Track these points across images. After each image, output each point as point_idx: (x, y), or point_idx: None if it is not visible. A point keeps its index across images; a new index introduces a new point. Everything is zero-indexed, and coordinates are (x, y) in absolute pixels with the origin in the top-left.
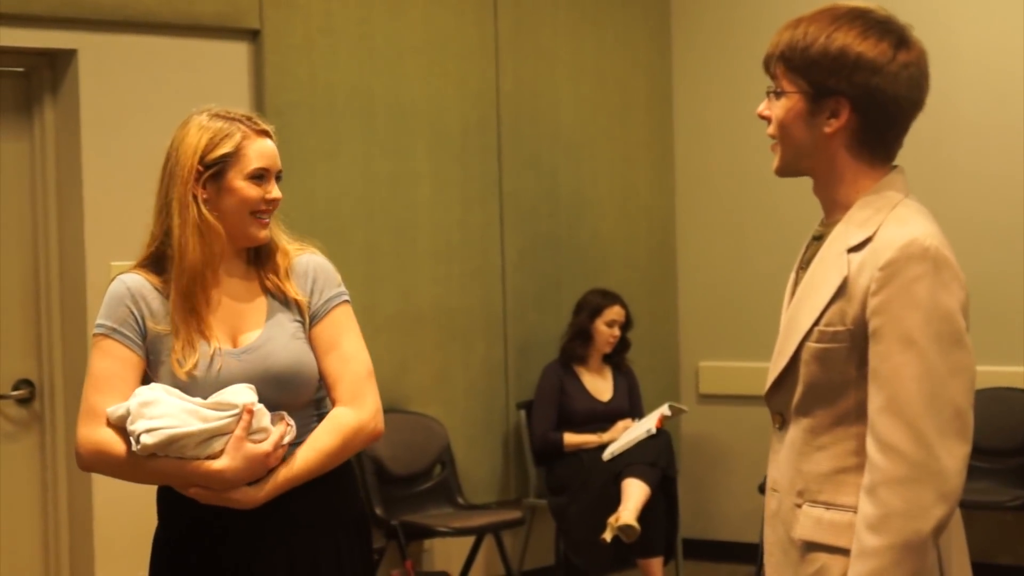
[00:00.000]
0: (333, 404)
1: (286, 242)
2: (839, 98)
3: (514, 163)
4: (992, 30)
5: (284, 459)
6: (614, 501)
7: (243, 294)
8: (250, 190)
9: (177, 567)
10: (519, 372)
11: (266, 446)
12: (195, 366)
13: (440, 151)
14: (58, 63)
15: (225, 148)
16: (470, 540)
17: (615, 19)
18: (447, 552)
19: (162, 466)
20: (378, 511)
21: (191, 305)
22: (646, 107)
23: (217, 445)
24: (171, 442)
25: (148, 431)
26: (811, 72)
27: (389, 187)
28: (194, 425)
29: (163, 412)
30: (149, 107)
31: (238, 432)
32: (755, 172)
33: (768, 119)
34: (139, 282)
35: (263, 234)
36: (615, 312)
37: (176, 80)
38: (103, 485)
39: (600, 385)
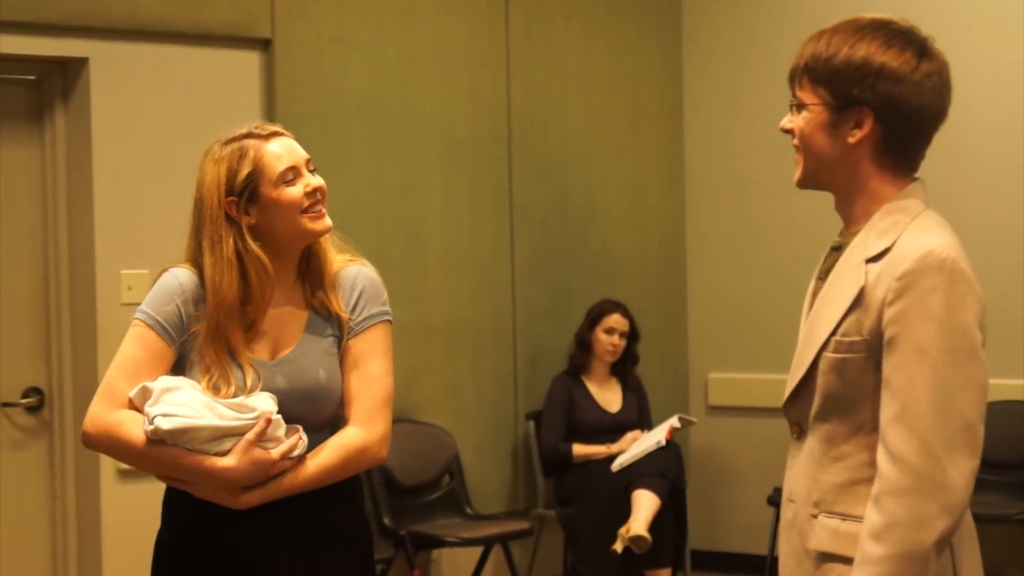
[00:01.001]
0: (346, 421)
1: (334, 253)
2: (863, 108)
3: (524, 173)
4: (999, 42)
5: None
6: (623, 512)
7: (287, 307)
8: (288, 193)
9: (179, 570)
10: (528, 383)
11: (274, 454)
12: (230, 394)
13: (450, 161)
14: (70, 71)
15: (246, 168)
16: (478, 550)
17: (626, 30)
18: (455, 562)
19: (168, 454)
20: (386, 521)
21: (223, 337)
22: (656, 118)
23: (227, 444)
24: (184, 432)
25: (164, 415)
26: (835, 82)
27: (399, 197)
28: (209, 419)
29: (183, 401)
30: (160, 116)
31: (250, 436)
32: (765, 183)
33: (791, 132)
34: (191, 280)
35: (321, 225)
36: (614, 320)
37: (187, 89)
38: (112, 493)
39: (609, 396)
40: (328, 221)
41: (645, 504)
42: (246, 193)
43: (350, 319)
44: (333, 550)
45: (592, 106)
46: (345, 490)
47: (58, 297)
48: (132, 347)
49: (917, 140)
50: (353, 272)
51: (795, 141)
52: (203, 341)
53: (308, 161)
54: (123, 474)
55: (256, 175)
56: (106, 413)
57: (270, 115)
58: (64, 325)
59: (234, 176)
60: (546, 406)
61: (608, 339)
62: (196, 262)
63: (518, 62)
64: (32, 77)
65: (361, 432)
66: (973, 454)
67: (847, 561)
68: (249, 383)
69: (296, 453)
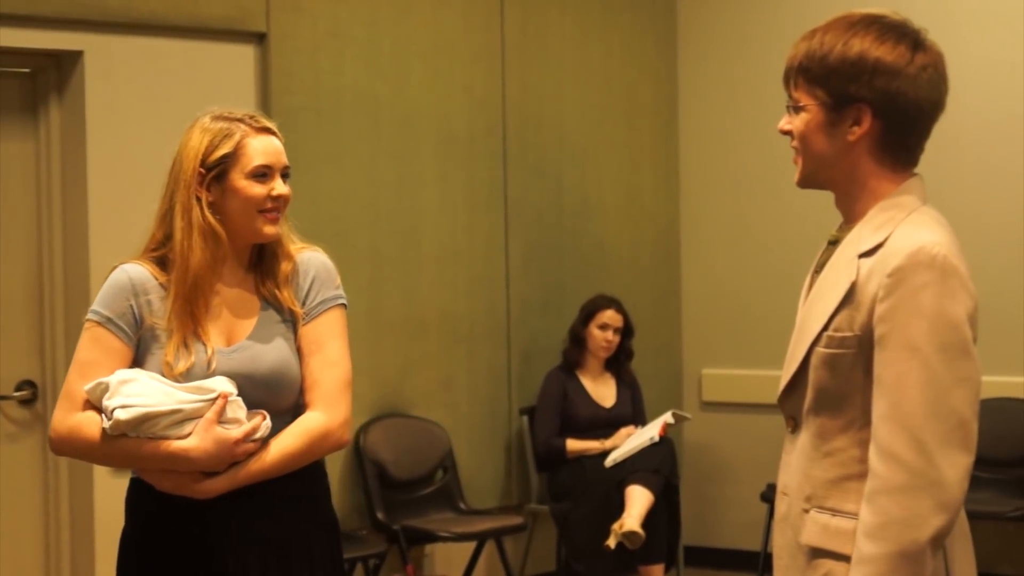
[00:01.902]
0: (306, 407)
1: (291, 246)
2: (860, 105)
3: (519, 169)
4: (996, 42)
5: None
6: (616, 508)
7: (239, 295)
8: (253, 188)
9: (143, 565)
10: (522, 378)
11: (236, 433)
12: (188, 369)
13: (445, 156)
14: (64, 64)
15: (225, 148)
16: (471, 545)
17: (621, 25)
18: (448, 557)
19: (130, 447)
20: (380, 515)
21: (191, 309)
22: (651, 114)
23: (188, 428)
24: (143, 420)
25: (122, 407)
26: (831, 81)
27: (394, 191)
28: (168, 404)
29: (140, 391)
30: (155, 109)
31: (209, 415)
32: (760, 179)
33: (789, 133)
34: (142, 274)
35: (271, 231)
36: (608, 316)
37: (182, 82)
38: (105, 486)
39: (603, 391)
40: (275, 230)
41: (638, 500)
42: (215, 171)
43: (304, 304)
44: (301, 539)
45: (587, 101)
46: (310, 479)
47: (52, 290)
48: (86, 349)
49: (916, 133)
50: (305, 258)
51: (793, 142)
52: (170, 311)
53: (285, 167)
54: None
55: (231, 159)
56: (66, 418)
57: (265, 109)
58: (58, 318)
59: (212, 151)
60: (540, 401)
61: (602, 335)
62: (148, 251)
63: (513, 57)
64: (27, 70)
65: (323, 416)
66: (967, 450)
67: (837, 557)
68: (208, 360)
69: (259, 435)
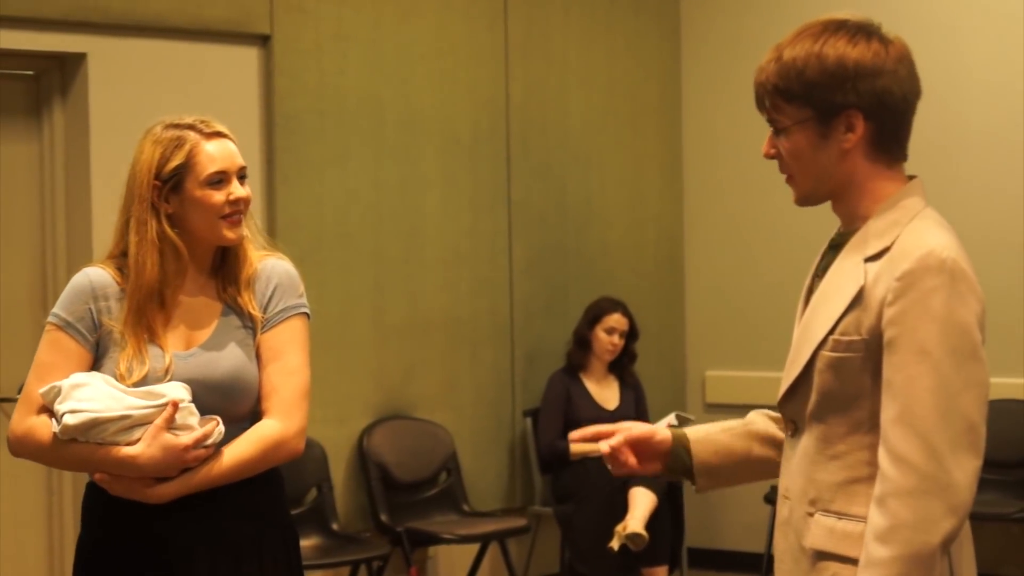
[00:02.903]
0: (263, 414)
1: (253, 251)
2: (850, 111)
3: (523, 171)
4: (1000, 45)
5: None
6: (620, 510)
7: (200, 299)
8: (211, 196)
9: (98, 570)
10: (526, 380)
11: (186, 439)
12: (142, 378)
13: (449, 158)
14: (68, 66)
15: (177, 159)
16: (475, 547)
17: (625, 27)
18: (452, 559)
19: (79, 451)
20: (383, 517)
21: (145, 321)
22: (655, 116)
23: (137, 434)
24: (92, 425)
25: (72, 412)
26: (814, 95)
27: (398, 194)
28: (116, 410)
29: (90, 395)
30: (158, 111)
31: (158, 422)
32: (763, 181)
33: (775, 157)
34: (103, 278)
35: (233, 234)
36: (615, 320)
37: (186, 85)
38: None
39: (606, 394)
40: (244, 231)
41: (642, 502)
42: (171, 183)
43: (265, 311)
44: (251, 542)
45: (591, 103)
46: (263, 483)
47: (55, 292)
48: (46, 352)
49: (905, 126)
50: (269, 266)
51: (783, 168)
52: (123, 323)
53: (241, 169)
54: None
55: (185, 169)
56: (22, 420)
57: (268, 111)
58: None
59: (165, 163)
60: (543, 403)
61: (608, 339)
62: (113, 256)
63: (517, 59)
64: (30, 72)
65: (279, 424)
66: (976, 454)
67: (843, 560)
68: (166, 367)
69: (211, 442)
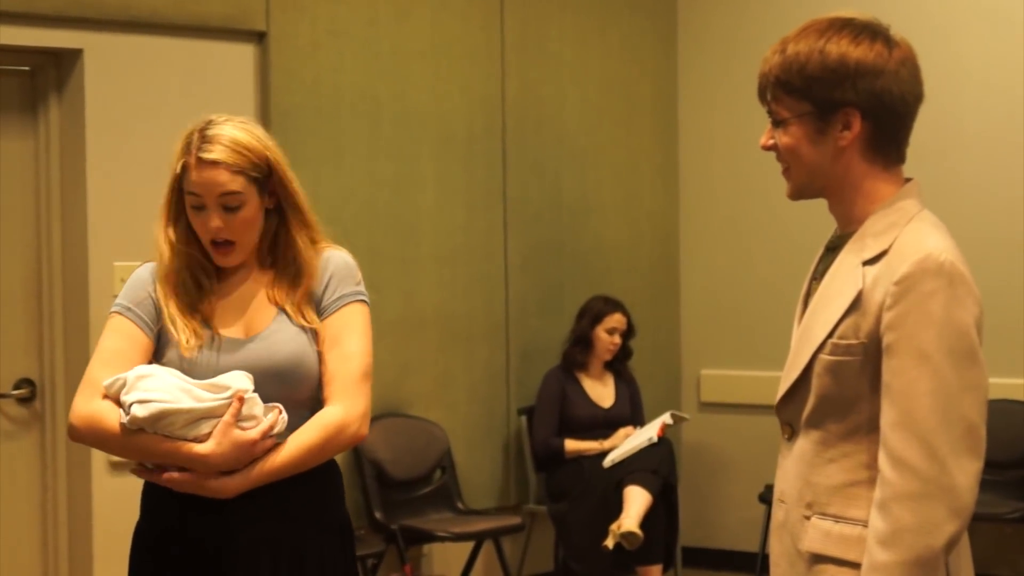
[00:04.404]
0: (324, 402)
1: (306, 249)
2: (848, 109)
3: (518, 168)
4: (997, 47)
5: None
6: (615, 508)
7: (256, 292)
8: (195, 218)
9: (157, 560)
10: (521, 378)
11: (253, 434)
12: (198, 349)
13: (445, 155)
14: (64, 62)
15: (176, 169)
16: (469, 545)
17: (621, 25)
18: (446, 557)
19: (148, 442)
20: (378, 515)
21: (185, 303)
22: (651, 114)
23: (205, 428)
24: (161, 417)
25: (140, 402)
26: (813, 90)
27: (393, 191)
28: (185, 403)
29: (158, 386)
30: (154, 108)
31: (227, 418)
32: (759, 180)
33: (772, 148)
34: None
35: (221, 263)
36: (616, 320)
37: (182, 81)
38: (103, 484)
39: (601, 391)
40: (232, 260)
41: (637, 500)
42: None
43: (322, 302)
44: (314, 535)
45: (586, 101)
46: (323, 478)
47: (51, 288)
48: (110, 338)
49: (904, 128)
50: (326, 256)
51: (780, 159)
52: (165, 304)
53: (225, 196)
54: (114, 466)
55: (182, 181)
56: (88, 404)
57: (264, 108)
58: (57, 316)
59: (176, 165)
60: (538, 401)
61: (609, 339)
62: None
63: (512, 57)
64: (26, 68)
65: (340, 409)
66: (977, 456)
67: (840, 563)
68: (216, 336)
69: (276, 431)
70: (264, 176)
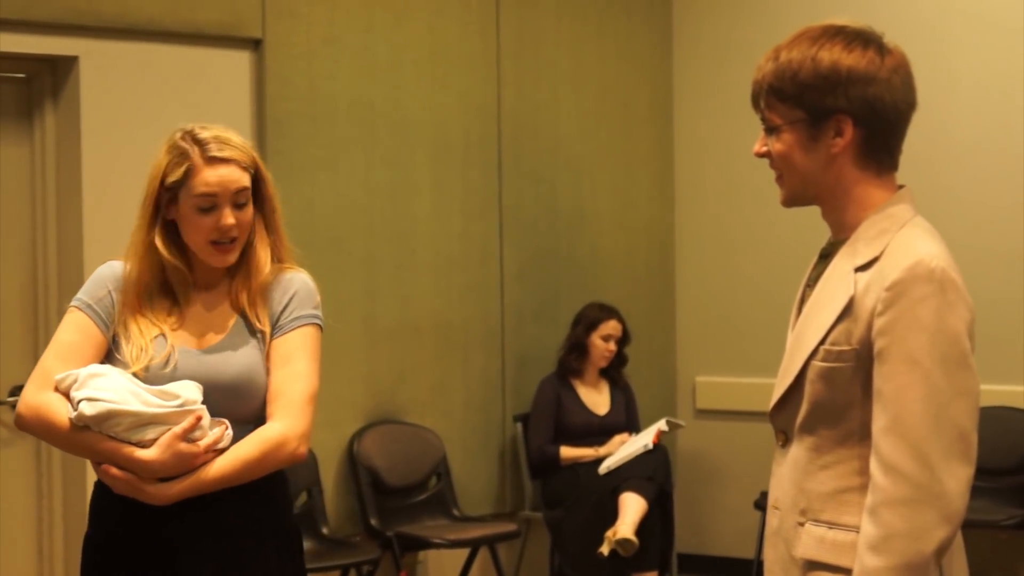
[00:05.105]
0: (267, 418)
1: (268, 262)
2: (840, 116)
3: (514, 176)
4: (991, 55)
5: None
6: (610, 515)
7: (218, 302)
8: (199, 220)
9: (105, 567)
10: (516, 385)
11: (198, 447)
12: (147, 367)
13: (441, 163)
14: (59, 69)
15: (176, 175)
16: (465, 552)
17: (617, 32)
18: (442, 564)
19: (92, 440)
20: (373, 522)
21: (150, 315)
22: (647, 121)
23: (150, 433)
24: (107, 417)
25: (89, 400)
26: (805, 97)
27: (389, 198)
28: (133, 405)
29: (108, 386)
30: (150, 115)
31: (176, 431)
32: (754, 188)
33: (766, 155)
34: (126, 270)
35: (221, 261)
36: (611, 327)
37: (177, 88)
38: None
39: (597, 399)
40: (231, 258)
41: (632, 507)
42: (171, 193)
43: (278, 319)
44: (259, 544)
45: (582, 109)
46: (266, 486)
47: (46, 295)
48: (66, 332)
49: (896, 136)
50: (289, 276)
51: (774, 166)
52: (122, 312)
53: (239, 193)
54: None
55: (181, 186)
56: (37, 394)
57: (259, 115)
58: (52, 323)
59: (169, 173)
60: (534, 408)
61: (605, 346)
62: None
63: (508, 65)
64: (22, 75)
65: (281, 426)
66: (968, 462)
67: (833, 569)
68: (166, 357)
69: (221, 446)
70: (254, 176)
